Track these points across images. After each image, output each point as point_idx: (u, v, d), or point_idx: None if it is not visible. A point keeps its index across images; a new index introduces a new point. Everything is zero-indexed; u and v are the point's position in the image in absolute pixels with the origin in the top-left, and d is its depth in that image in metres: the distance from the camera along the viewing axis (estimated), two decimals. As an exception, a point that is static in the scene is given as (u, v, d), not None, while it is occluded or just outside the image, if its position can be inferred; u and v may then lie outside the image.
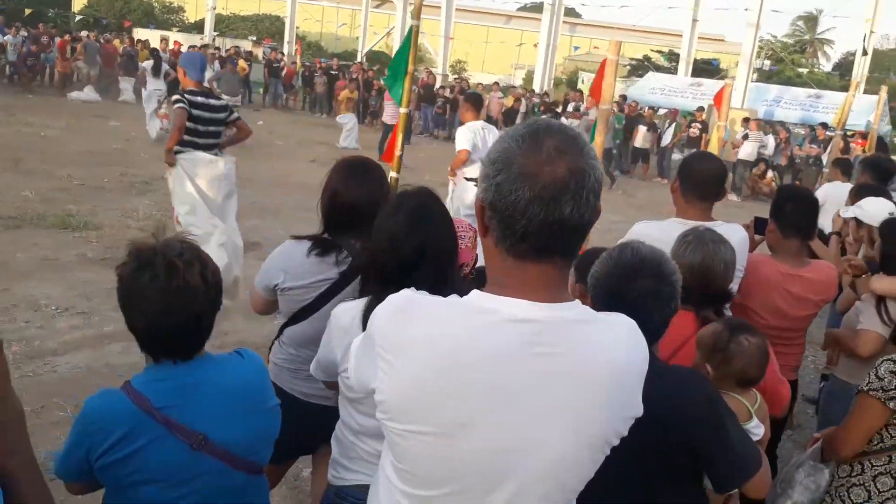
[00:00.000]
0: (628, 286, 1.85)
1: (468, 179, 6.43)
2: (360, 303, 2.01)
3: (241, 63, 22.06)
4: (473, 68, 48.12)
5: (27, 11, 29.13)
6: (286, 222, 8.68)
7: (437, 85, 22.38)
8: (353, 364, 1.37)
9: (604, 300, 1.87)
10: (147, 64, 15.97)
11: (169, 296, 1.62)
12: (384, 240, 1.97)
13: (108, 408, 1.65)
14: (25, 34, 21.00)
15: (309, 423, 2.50)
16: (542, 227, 1.16)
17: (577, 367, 1.21)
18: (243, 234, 8.21)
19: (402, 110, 4.31)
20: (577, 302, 1.26)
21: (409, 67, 4.14)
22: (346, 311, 2.03)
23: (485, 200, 1.20)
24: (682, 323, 2.24)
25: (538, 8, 33.58)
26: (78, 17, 34.23)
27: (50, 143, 12.45)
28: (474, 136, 6.57)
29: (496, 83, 23.66)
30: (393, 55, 5.06)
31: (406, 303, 1.27)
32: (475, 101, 6.98)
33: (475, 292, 1.25)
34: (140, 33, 28.56)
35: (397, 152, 4.43)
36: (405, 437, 1.25)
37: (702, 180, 2.95)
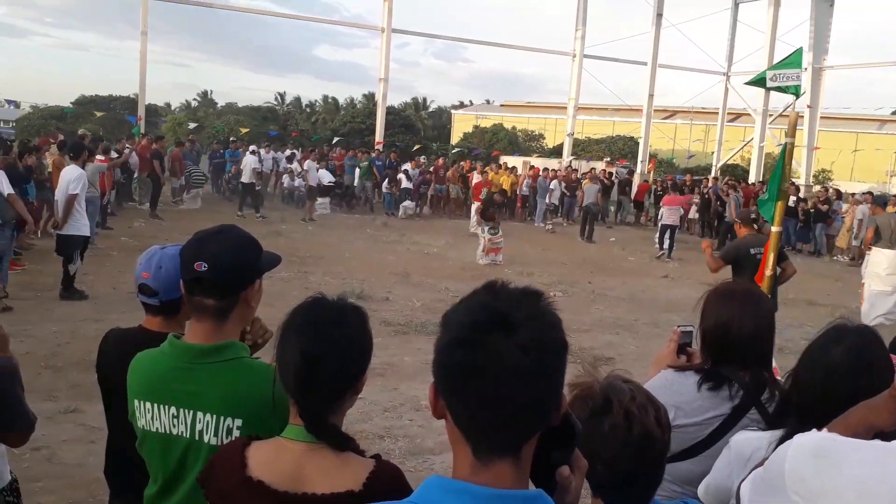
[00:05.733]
0: None
1: None
2: (766, 435, 1.93)
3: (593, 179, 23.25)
4: (840, 177, 44.00)
5: (416, 147, 34.24)
6: (641, 339, 8.65)
7: (792, 199, 20.90)
8: None
9: None
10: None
11: (630, 445, 1.61)
12: (819, 373, 1.88)
13: None
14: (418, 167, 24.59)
15: None
16: None
17: None
18: (599, 348, 8.42)
19: (774, 229, 4.16)
20: None
21: (783, 185, 4.02)
22: (749, 440, 1.97)
23: None
24: None
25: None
26: (455, 150, 39.18)
27: (432, 258, 14.23)
28: None
29: (868, 193, 21.35)
30: (750, 167, 4.93)
31: (827, 444, 1.20)
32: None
33: None
34: (506, 160, 31.61)
35: (768, 272, 4.25)
36: None
37: None
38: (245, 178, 18.74)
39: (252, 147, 21.83)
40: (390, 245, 15.61)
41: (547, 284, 12.12)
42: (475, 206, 14.29)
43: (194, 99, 66.99)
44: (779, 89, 4.60)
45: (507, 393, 1.05)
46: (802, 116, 27.87)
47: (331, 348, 1.58)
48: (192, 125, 35.50)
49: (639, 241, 19.66)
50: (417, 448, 5.35)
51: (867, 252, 10.55)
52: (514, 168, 25.67)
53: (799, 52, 4.68)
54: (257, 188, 19.34)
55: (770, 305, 2.49)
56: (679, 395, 2.37)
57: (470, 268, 13.23)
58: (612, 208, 25.33)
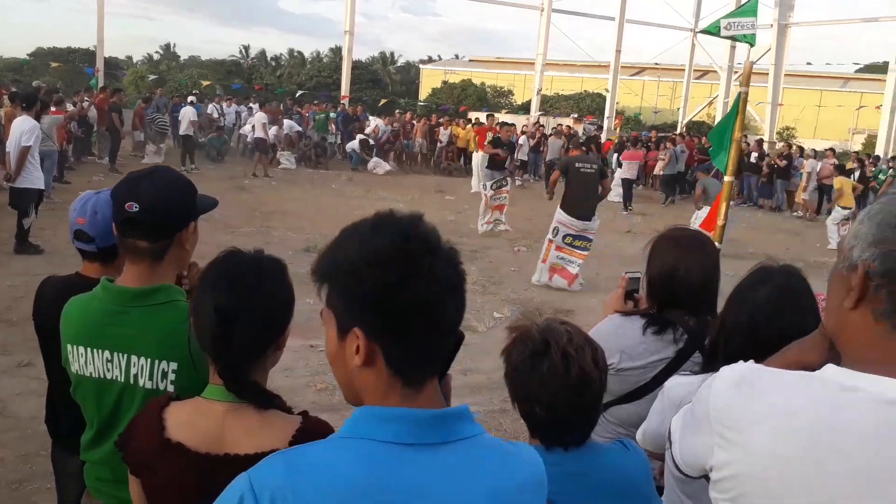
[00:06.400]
0: None
1: None
2: (698, 378, 1.92)
3: (563, 138, 23.12)
4: (804, 135, 44.47)
5: (383, 101, 33.89)
6: (602, 293, 8.73)
7: (754, 155, 21.08)
8: (679, 443, 1.30)
9: None
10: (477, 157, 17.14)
11: (568, 386, 1.64)
12: (745, 314, 1.87)
13: None
14: (388, 124, 24.21)
15: None
16: None
17: None
18: (559, 301, 8.51)
19: (727, 178, 4.18)
20: None
21: (735, 135, 4.03)
22: (680, 385, 1.96)
23: (874, 268, 1.10)
24: None
25: (881, 68, 30.18)
26: (422, 104, 38.79)
27: (397, 214, 14.13)
28: None
29: (831, 149, 21.66)
30: (715, 124, 4.95)
31: (749, 374, 1.18)
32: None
33: (831, 367, 1.14)
34: (476, 116, 31.37)
35: (720, 222, 4.29)
36: None
37: None
38: (182, 130, 18.34)
39: (190, 98, 21.37)
40: (356, 201, 15.48)
41: (512, 240, 12.16)
42: (476, 157, 13.33)
43: (156, 52, 65.17)
44: (733, 38, 4.57)
45: (448, 312, 1.05)
46: (767, 73, 28.05)
47: (247, 304, 1.51)
48: (152, 77, 34.57)
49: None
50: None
51: (697, 209, 11.94)
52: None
53: (755, 0, 4.64)
54: (200, 140, 19.17)
55: (716, 251, 2.51)
56: (624, 338, 2.38)
57: (435, 223, 13.17)
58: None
